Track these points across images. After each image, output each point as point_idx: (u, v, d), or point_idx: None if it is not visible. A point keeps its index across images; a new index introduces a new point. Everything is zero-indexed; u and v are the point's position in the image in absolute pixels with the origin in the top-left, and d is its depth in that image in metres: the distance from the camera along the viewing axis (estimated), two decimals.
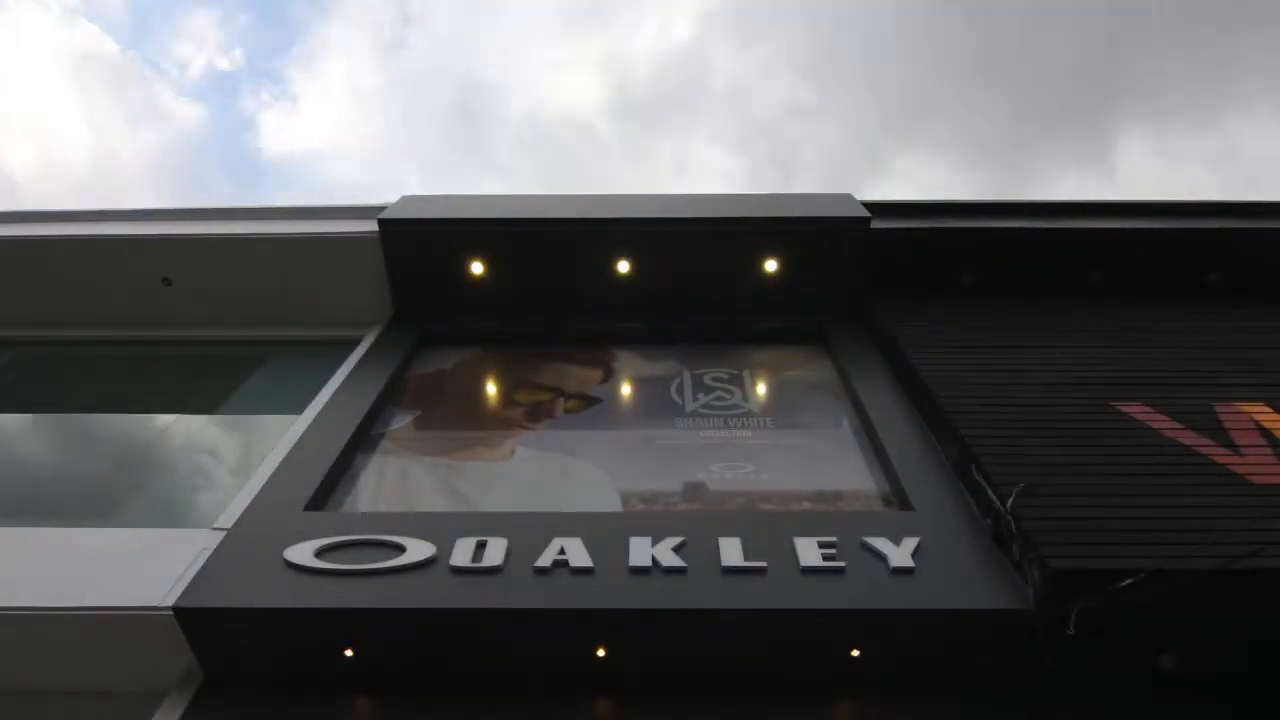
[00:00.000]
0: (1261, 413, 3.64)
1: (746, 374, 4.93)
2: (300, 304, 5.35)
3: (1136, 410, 3.68)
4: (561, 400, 4.74)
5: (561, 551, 3.02)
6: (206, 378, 5.24)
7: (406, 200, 5.48)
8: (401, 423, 4.48)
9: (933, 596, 2.84)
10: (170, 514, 3.86)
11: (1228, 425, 3.54)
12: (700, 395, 4.69)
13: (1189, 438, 3.47)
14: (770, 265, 5.13)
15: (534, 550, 3.02)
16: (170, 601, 2.85)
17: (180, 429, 4.76)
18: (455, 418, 4.72)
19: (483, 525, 3.20)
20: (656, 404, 4.66)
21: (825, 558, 2.98)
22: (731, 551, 3.02)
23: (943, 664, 2.88)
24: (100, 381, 5.36)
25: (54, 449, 4.64)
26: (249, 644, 2.92)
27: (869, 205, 5.23)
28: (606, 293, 5.22)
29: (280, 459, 3.79)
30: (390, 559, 3.00)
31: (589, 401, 4.73)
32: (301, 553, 3.03)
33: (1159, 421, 3.59)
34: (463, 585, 2.92)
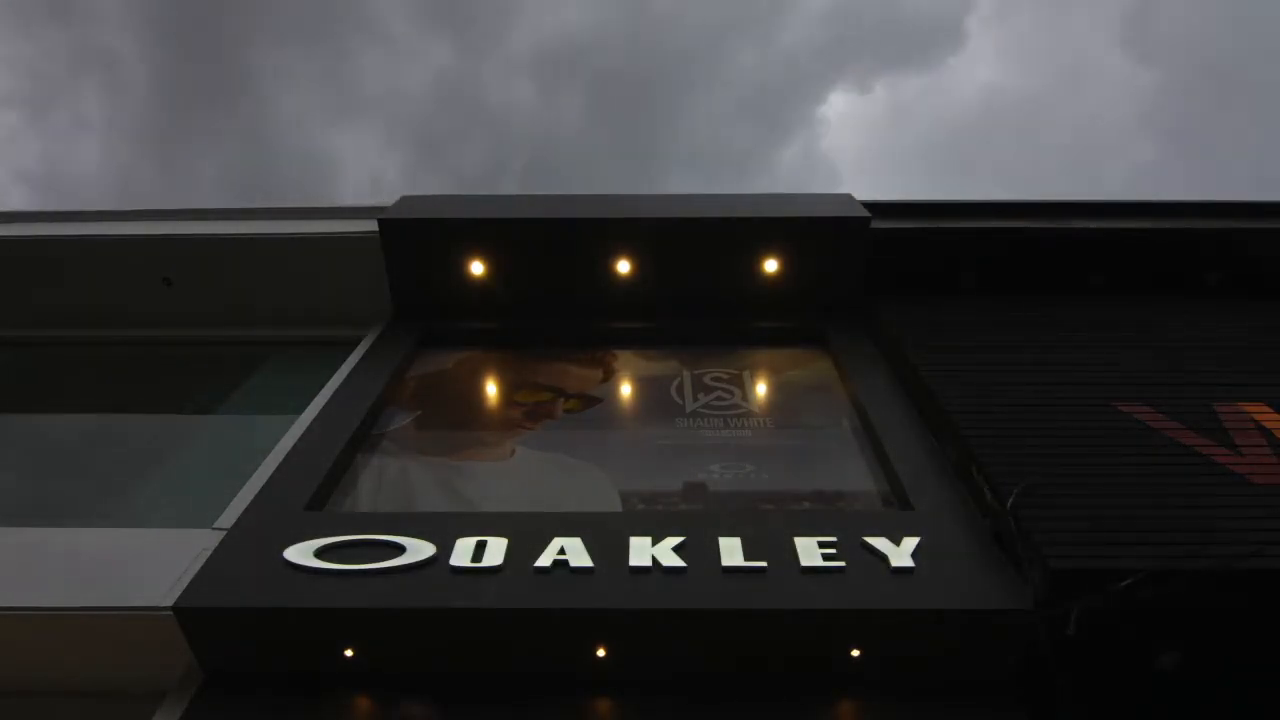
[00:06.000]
0: (1261, 413, 3.64)
1: (746, 374, 4.93)
2: (300, 304, 5.35)
3: (1136, 410, 3.68)
4: (561, 400, 4.74)
5: (561, 551, 3.02)
6: (206, 378, 5.23)
7: (406, 200, 5.47)
8: (401, 423, 4.48)
9: (933, 596, 2.84)
10: (170, 514, 3.85)
11: (1228, 425, 3.54)
12: (700, 395, 4.69)
13: (1189, 438, 3.47)
14: (770, 265, 5.13)
15: (534, 550, 3.02)
16: (170, 601, 2.85)
17: (180, 429, 4.76)
18: (455, 418, 4.72)
19: (483, 525, 3.20)
20: (656, 404, 4.66)
21: (825, 558, 2.98)
22: (731, 551, 3.02)
23: (943, 664, 2.88)
24: (100, 381, 5.36)
25: (54, 449, 4.63)
26: (249, 644, 2.92)
27: (869, 205, 5.22)
28: (606, 293, 5.21)
29: (280, 459, 3.79)
30: (390, 559, 3.00)
31: (589, 401, 4.73)
32: (301, 552, 3.04)
33: (1159, 421, 3.59)
34: (463, 585, 2.92)
